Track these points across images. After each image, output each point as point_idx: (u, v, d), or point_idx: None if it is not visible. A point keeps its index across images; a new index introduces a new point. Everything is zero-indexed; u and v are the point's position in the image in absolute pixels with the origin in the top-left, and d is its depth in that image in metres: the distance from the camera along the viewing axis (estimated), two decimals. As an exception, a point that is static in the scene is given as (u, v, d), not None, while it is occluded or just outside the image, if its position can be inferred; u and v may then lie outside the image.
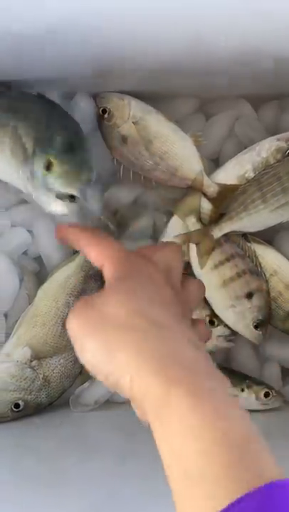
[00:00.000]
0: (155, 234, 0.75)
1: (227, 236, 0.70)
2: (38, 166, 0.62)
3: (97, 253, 0.50)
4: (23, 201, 0.74)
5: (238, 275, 0.69)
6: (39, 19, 0.50)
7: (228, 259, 0.69)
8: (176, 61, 0.61)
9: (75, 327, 0.44)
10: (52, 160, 0.62)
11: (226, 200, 0.69)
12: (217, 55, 0.59)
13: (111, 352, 0.41)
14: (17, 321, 0.71)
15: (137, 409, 0.42)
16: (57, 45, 0.56)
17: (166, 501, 0.49)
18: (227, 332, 0.71)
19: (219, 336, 0.71)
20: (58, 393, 0.70)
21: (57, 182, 0.62)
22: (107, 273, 0.48)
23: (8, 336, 0.71)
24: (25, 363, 0.68)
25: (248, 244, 0.70)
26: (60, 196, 0.62)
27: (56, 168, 0.62)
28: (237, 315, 0.70)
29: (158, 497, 0.50)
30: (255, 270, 0.70)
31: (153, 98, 0.72)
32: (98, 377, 0.43)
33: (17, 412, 0.68)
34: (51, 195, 0.62)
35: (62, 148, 0.63)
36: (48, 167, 0.62)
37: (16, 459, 0.60)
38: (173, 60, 0.61)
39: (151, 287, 0.46)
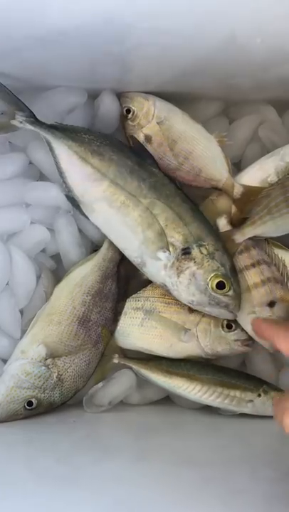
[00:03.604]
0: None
1: (255, 241, 0.69)
2: (202, 276, 0.65)
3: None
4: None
5: (263, 282, 0.68)
6: (71, 15, 0.50)
7: (253, 265, 0.68)
8: (204, 62, 0.61)
9: None
10: (224, 281, 0.65)
11: (249, 203, 0.69)
12: (247, 58, 0.59)
13: None
14: (33, 318, 0.70)
15: None
16: (85, 41, 0.56)
17: (180, 503, 0.50)
18: (244, 336, 0.70)
19: (236, 340, 0.70)
20: (71, 393, 0.70)
21: (230, 303, 0.66)
22: None
23: (23, 332, 0.70)
24: (40, 361, 0.68)
25: (275, 253, 0.69)
26: (218, 305, 0.66)
27: (231, 292, 0.65)
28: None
29: (171, 499, 0.50)
30: (281, 279, 0.69)
31: (176, 99, 0.72)
32: None
33: (30, 410, 0.67)
34: (210, 301, 0.66)
35: (230, 267, 0.66)
36: (221, 286, 0.65)
37: (30, 457, 0.59)
38: (202, 60, 0.61)
39: None
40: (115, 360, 0.72)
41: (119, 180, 0.66)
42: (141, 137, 0.70)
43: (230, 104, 0.77)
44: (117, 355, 0.72)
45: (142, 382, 0.73)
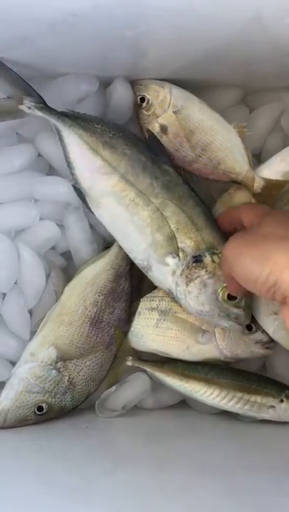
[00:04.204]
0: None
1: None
2: (214, 286, 0.62)
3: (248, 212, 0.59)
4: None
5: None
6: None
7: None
8: (225, 45, 0.57)
9: (233, 249, 0.53)
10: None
11: (271, 197, 0.65)
12: (272, 41, 0.55)
13: (267, 258, 0.48)
14: (43, 318, 0.67)
15: None
16: (96, 24, 0.52)
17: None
18: (265, 338, 0.67)
19: (257, 342, 0.67)
20: (83, 397, 0.67)
21: (241, 314, 0.63)
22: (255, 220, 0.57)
23: (33, 333, 0.67)
24: (51, 364, 0.65)
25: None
26: (228, 316, 0.63)
27: (242, 303, 0.63)
28: (278, 323, 0.65)
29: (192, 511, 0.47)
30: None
31: (191, 87, 0.68)
32: (255, 285, 0.50)
33: (40, 415, 0.64)
34: (220, 312, 0.63)
35: None
36: (232, 297, 0.62)
37: (40, 465, 0.56)
38: (222, 44, 0.57)
39: None
40: (129, 363, 0.69)
41: (131, 176, 0.62)
42: (156, 127, 0.66)
43: (249, 91, 0.73)
44: (130, 358, 0.69)
45: (157, 386, 0.70)
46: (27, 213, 0.68)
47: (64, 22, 0.51)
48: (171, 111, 0.66)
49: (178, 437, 0.64)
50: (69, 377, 0.65)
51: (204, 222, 0.62)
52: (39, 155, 0.69)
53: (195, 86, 0.68)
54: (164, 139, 0.66)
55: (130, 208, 0.62)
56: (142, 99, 0.66)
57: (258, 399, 0.65)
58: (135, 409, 0.70)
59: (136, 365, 0.69)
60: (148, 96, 0.66)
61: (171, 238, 0.61)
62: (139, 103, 0.67)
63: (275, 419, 0.66)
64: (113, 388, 0.68)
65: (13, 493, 0.50)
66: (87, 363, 0.66)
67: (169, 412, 0.71)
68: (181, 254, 0.61)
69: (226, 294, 0.61)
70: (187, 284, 0.61)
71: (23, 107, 0.62)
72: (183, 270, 0.61)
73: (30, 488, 0.51)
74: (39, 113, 0.62)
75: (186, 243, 0.61)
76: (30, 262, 0.68)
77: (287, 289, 0.47)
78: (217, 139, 0.65)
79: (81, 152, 0.63)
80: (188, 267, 0.61)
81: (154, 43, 0.57)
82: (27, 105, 0.62)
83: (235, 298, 0.61)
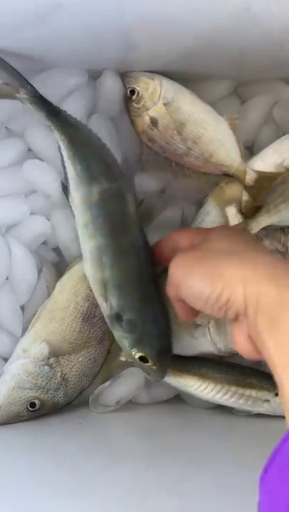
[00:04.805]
0: (183, 225, 0.70)
1: (267, 231, 0.65)
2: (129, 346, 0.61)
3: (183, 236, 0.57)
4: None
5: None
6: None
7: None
8: (214, 35, 0.56)
9: (180, 266, 0.49)
10: (148, 358, 0.61)
11: (263, 190, 0.64)
12: (262, 30, 0.54)
13: (218, 274, 0.45)
14: (34, 314, 0.67)
15: (249, 327, 0.44)
16: (84, 15, 0.51)
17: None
18: (259, 332, 0.66)
19: (251, 336, 0.66)
20: (76, 392, 0.66)
21: (152, 375, 0.63)
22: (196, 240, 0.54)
23: (25, 329, 0.67)
24: (43, 360, 0.64)
25: (290, 240, 0.65)
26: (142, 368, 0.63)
27: (155, 367, 0.62)
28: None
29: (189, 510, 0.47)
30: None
31: (182, 79, 0.67)
32: (206, 305, 0.46)
33: (33, 411, 0.64)
34: (135, 363, 0.63)
35: (160, 350, 0.62)
36: (144, 359, 0.61)
37: (33, 462, 0.55)
38: (211, 34, 0.56)
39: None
40: (122, 358, 0.68)
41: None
42: (146, 120, 0.65)
43: (241, 82, 0.72)
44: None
45: (151, 381, 0.69)
46: (17, 208, 0.67)
47: (49, 13, 0.50)
48: (161, 103, 0.65)
49: (172, 432, 0.64)
50: (62, 373, 0.65)
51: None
52: (29, 150, 0.68)
53: (186, 78, 0.68)
54: (154, 132, 0.65)
55: (88, 230, 0.60)
56: (132, 92, 0.65)
57: (253, 393, 0.65)
58: (129, 405, 0.69)
59: (129, 360, 0.68)
60: (138, 88, 0.65)
61: (105, 284, 0.60)
62: (129, 95, 0.66)
63: (270, 413, 0.65)
64: (107, 383, 0.68)
65: (6, 489, 0.50)
66: (80, 358, 0.66)
67: (163, 406, 0.71)
68: (108, 304, 0.60)
69: (138, 356, 0.61)
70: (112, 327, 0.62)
71: (19, 96, 0.61)
72: (107, 316, 0.62)
73: (23, 484, 0.51)
74: (31, 107, 0.60)
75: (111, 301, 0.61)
76: (22, 257, 0.67)
77: (240, 306, 0.43)
78: (208, 132, 0.65)
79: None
80: (111, 323, 0.62)
81: (144, 34, 0.57)
82: (21, 97, 0.60)
83: (147, 361, 0.61)
